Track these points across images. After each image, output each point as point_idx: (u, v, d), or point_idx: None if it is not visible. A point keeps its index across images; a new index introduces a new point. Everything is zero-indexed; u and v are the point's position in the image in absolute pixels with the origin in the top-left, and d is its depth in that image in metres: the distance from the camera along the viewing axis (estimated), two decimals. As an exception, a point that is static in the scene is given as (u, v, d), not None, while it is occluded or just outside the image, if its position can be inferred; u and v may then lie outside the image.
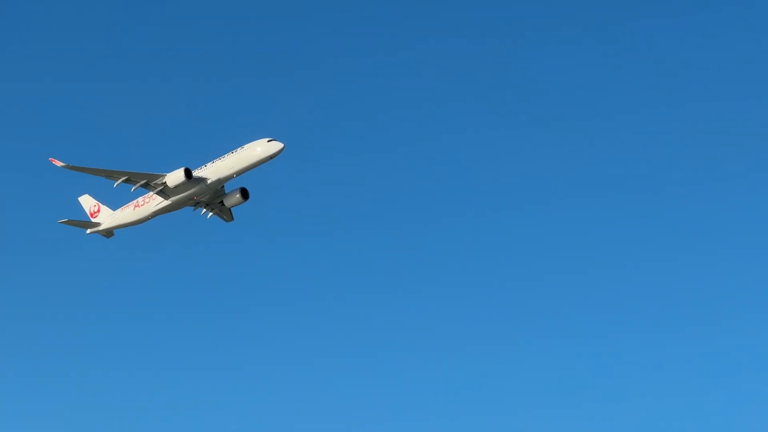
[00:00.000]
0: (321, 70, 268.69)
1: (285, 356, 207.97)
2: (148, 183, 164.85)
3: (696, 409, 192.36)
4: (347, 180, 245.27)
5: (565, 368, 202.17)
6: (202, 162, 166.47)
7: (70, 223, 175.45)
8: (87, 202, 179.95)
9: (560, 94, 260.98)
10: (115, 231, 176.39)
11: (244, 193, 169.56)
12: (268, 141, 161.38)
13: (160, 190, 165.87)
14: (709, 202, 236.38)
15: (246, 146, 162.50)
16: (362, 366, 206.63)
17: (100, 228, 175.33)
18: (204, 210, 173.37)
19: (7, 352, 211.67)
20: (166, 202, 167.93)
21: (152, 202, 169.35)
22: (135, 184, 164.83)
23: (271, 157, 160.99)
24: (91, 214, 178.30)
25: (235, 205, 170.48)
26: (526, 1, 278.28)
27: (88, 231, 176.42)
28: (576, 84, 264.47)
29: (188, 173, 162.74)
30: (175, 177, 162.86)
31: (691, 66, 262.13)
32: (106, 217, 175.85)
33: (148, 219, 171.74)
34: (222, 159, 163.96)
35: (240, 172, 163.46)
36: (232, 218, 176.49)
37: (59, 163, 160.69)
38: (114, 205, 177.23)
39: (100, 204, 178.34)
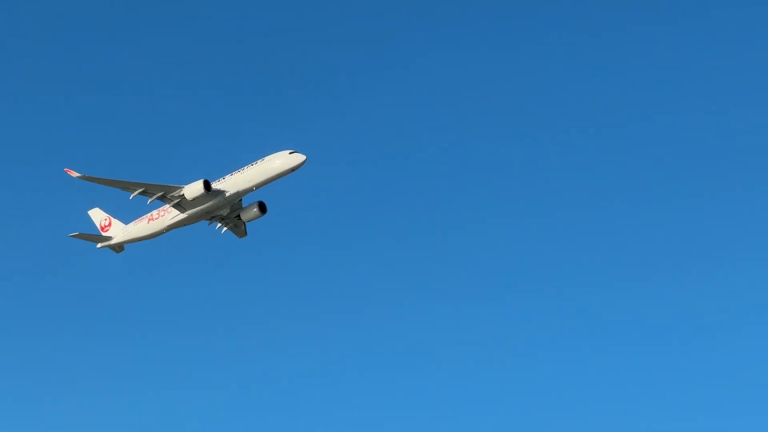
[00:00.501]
0: (337, 79, 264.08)
1: (306, 370, 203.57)
2: (165, 195, 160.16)
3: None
4: (368, 193, 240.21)
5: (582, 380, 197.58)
6: (219, 174, 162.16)
7: (81, 236, 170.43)
8: (97, 215, 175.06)
9: (569, 102, 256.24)
10: (125, 245, 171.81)
11: (262, 207, 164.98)
12: (290, 153, 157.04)
13: (177, 203, 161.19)
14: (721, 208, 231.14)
15: (267, 158, 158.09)
16: (386, 379, 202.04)
17: (112, 242, 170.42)
18: (219, 224, 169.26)
19: (14, 365, 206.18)
20: (181, 216, 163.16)
21: (167, 216, 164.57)
22: (151, 197, 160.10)
23: (293, 169, 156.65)
24: (102, 228, 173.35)
25: (252, 219, 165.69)
26: (527, 8, 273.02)
27: (99, 245, 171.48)
28: (580, 91, 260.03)
29: (207, 185, 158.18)
30: (193, 189, 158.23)
31: (693, 71, 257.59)
32: (118, 231, 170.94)
33: (163, 233, 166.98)
34: (241, 171, 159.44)
35: (260, 185, 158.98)
36: (246, 234, 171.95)
37: (75, 174, 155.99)
38: (125, 219, 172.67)
39: (111, 217, 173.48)
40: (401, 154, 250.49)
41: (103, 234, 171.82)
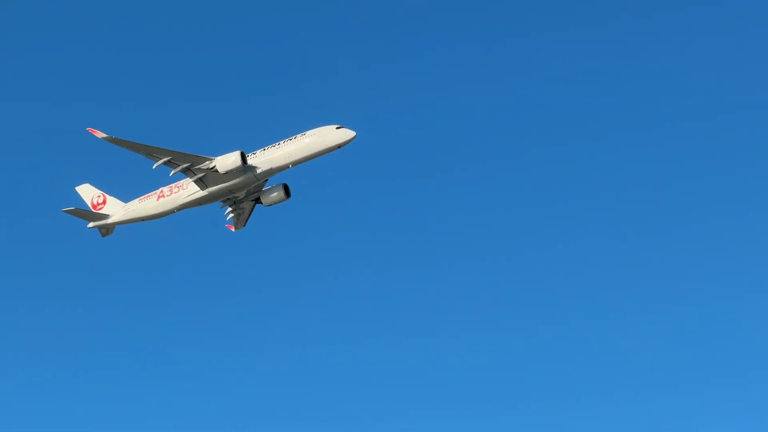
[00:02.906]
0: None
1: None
2: (191, 167, 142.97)
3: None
4: (405, 192, 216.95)
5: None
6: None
7: (74, 212, 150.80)
8: (88, 192, 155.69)
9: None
10: (116, 227, 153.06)
11: (287, 190, 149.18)
12: (337, 128, 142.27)
13: (200, 178, 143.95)
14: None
15: (308, 133, 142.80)
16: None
17: (109, 221, 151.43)
18: (230, 208, 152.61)
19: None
20: (200, 194, 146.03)
21: (182, 193, 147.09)
22: (176, 167, 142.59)
23: (339, 146, 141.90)
24: (95, 206, 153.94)
25: (274, 203, 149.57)
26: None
27: (91, 224, 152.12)
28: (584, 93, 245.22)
29: (243, 157, 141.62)
30: (228, 161, 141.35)
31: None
32: (117, 209, 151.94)
33: (172, 213, 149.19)
34: (277, 146, 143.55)
35: (297, 163, 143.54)
36: (245, 225, 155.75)
37: (99, 134, 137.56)
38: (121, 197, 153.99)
39: (105, 194, 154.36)
40: (449, 157, 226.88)
41: (99, 212, 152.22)
